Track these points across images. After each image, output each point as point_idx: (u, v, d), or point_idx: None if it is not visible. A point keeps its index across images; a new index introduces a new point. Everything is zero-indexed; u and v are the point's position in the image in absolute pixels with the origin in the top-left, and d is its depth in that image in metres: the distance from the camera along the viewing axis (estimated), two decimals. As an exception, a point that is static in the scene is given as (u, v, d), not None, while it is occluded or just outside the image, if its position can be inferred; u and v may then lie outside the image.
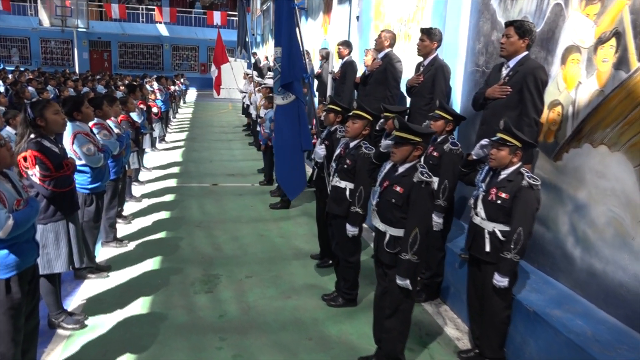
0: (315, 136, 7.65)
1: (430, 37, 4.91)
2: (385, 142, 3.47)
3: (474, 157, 3.37)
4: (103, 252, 5.13)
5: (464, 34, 4.90)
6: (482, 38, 4.59)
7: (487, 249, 3.10)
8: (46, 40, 28.33)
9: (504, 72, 3.62)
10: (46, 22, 23.78)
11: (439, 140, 4.16)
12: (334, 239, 4.28)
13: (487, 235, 3.11)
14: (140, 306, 4.10)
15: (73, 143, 4.14)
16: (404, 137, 3.07)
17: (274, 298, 4.36)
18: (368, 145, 4.02)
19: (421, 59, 5.08)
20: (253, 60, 19.53)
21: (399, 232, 3.10)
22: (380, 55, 6.00)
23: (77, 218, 3.66)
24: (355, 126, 4.02)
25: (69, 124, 4.22)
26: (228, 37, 22.56)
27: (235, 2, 30.41)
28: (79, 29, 24.48)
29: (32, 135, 3.34)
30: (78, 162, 4.14)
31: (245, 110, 14.83)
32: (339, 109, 4.74)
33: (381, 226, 3.19)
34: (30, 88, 10.50)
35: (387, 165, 3.33)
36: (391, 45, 6.00)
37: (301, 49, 4.37)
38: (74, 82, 13.15)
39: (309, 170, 6.46)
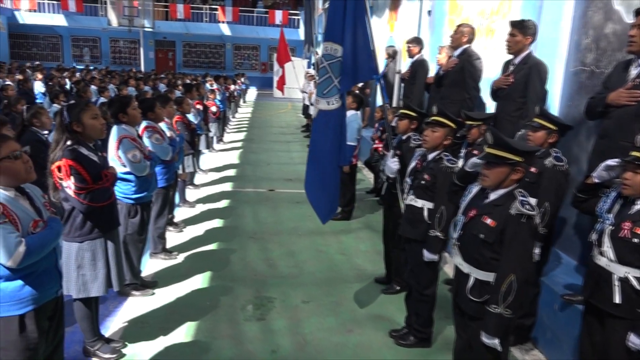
0: (380, 145, 7.05)
1: (522, 30, 4.17)
2: (473, 161, 2.81)
3: (596, 181, 2.66)
4: (150, 265, 4.77)
5: (566, 26, 4.13)
6: (591, 31, 3.81)
7: (617, 300, 2.38)
8: (115, 40, 29.22)
9: (634, 71, 2.87)
10: (114, 22, 24.44)
11: (538, 153, 3.44)
12: (407, 266, 3.67)
13: (616, 283, 2.39)
14: (184, 333, 3.66)
15: (118, 148, 3.77)
16: (499, 156, 2.41)
17: (334, 331, 3.80)
18: (450, 157, 3.38)
19: (510, 57, 4.35)
20: (314, 60, 19.15)
21: (487, 277, 2.46)
22: (457, 52, 5.31)
23: (117, 235, 3.26)
24: (435, 135, 3.39)
25: (114, 128, 3.87)
26: (289, 36, 22.29)
27: (297, 1, 30.20)
28: (145, 29, 25.00)
29: (69, 142, 2.95)
30: (122, 170, 3.77)
31: (305, 111, 14.40)
32: (413, 114, 4.12)
33: (464, 266, 2.56)
34: (92, 87, 10.54)
35: (474, 189, 2.69)
36: (470, 40, 5.30)
37: (371, 48, 3.76)
38: (137, 80, 13.18)
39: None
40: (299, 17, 27.96)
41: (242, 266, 4.90)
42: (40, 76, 12.81)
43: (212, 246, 5.37)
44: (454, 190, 3.16)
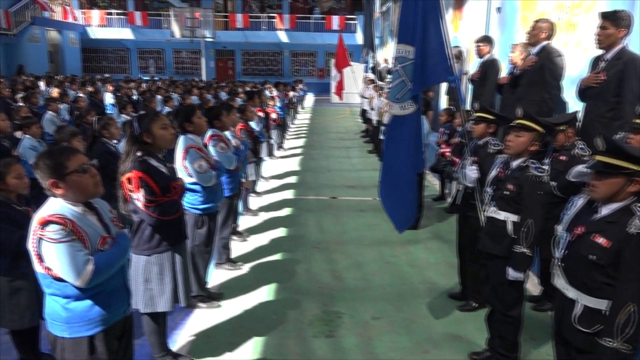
0: (447, 150, 6.71)
1: (615, 22, 3.76)
2: (578, 170, 2.50)
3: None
4: (216, 276, 4.70)
5: (667, 16, 3.70)
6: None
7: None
8: (178, 51, 30.25)
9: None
10: (177, 34, 25.26)
11: None
12: (487, 283, 3.37)
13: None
14: (251, 349, 3.53)
15: (185, 158, 3.71)
16: (613, 165, 2.09)
17: (409, 351, 3.55)
18: (538, 165, 3.06)
19: (600, 52, 3.95)
20: (372, 64, 18.92)
21: (599, 304, 2.14)
22: (535, 49, 4.92)
23: (184, 248, 3.18)
24: (519, 140, 3.08)
25: (181, 137, 3.81)
26: (346, 41, 22.15)
27: (354, 6, 30.07)
28: (206, 39, 25.68)
29: (139, 153, 2.90)
30: (189, 180, 3.71)
31: (364, 116, 14.17)
32: (491, 117, 3.82)
33: (570, 291, 2.25)
34: (158, 97, 10.82)
35: (578, 202, 2.37)
36: (549, 37, 4.89)
37: (446, 47, 3.49)
38: (199, 89, 13.47)
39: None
40: (355, 22, 27.82)
41: (307, 278, 4.75)
42: (110, 88, 13.35)
43: (276, 256, 5.26)
44: (553, 203, 2.84)
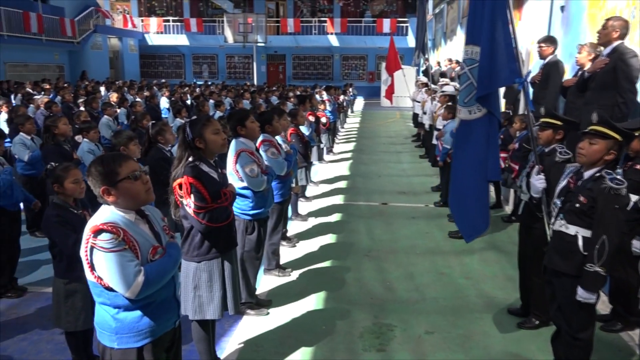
0: (504, 155, 6.40)
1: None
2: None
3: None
4: (264, 282, 4.65)
5: None
6: None
7: None
8: (231, 56, 30.86)
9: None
10: (230, 39, 25.76)
11: None
12: (553, 302, 3.12)
13: None
14: (300, 360, 3.44)
15: (236, 162, 3.68)
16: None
17: (465, 370, 3.36)
18: (615, 176, 2.80)
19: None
20: (424, 67, 18.57)
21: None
22: (607, 50, 4.59)
23: (234, 256, 3.12)
24: (594, 148, 2.83)
25: (233, 141, 3.79)
26: (397, 44, 21.87)
27: (405, 8, 29.69)
28: (258, 44, 26.06)
29: (190, 159, 2.87)
30: (239, 185, 3.67)
31: (416, 120, 13.88)
32: (559, 123, 3.56)
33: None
34: (210, 101, 11.00)
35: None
36: (622, 36, 4.54)
37: (513, 46, 3.28)
38: (251, 94, 13.61)
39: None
40: (407, 25, 27.45)
41: (358, 287, 4.62)
42: (166, 92, 13.73)
43: (326, 263, 5.16)
44: (631, 220, 2.59)
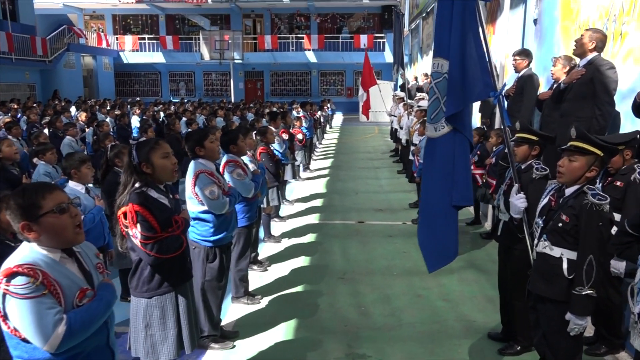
0: (478, 171, 6.25)
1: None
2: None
3: None
4: (232, 311, 4.37)
5: None
6: None
7: None
8: (208, 73, 30.59)
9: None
10: (207, 56, 25.55)
11: None
12: (537, 329, 2.91)
13: None
14: (266, 400, 3.16)
15: (195, 185, 3.42)
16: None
17: (444, 405, 3.12)
18: (597, 192, 2.63)
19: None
20: (401, 82, 18.59)
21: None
22: (583, 62, 4.49)
23: (189, 288, 2.84)
24: (573, 166, 2.66)
25: (191, 163, 3.54)
26: (374, 60, 21.88)
27: (382, 24, 29.92)
28: (235, 61, 25.89)
29: (137, 185, 2.61)
30: (200, 208, 3.41)
31: (394, 135, 13.79)
32: (534, 138, 3.40)
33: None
34: (183, 119, 10.72)
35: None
36: (598, 48, 4.44)
37: (487, 59, 3.10)
38: (226, 111, 13.36)
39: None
40: (384, 40, 27.61)
41: (331, 313, 4.36)
42: (138, 111, 13.40)
43: (298, 288, 4.90)
44: (618, 243, 2.41)
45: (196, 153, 3.52)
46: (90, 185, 3.77)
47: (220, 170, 4.00)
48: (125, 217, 2.51)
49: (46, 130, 8.33)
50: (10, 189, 4.53)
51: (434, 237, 3.19)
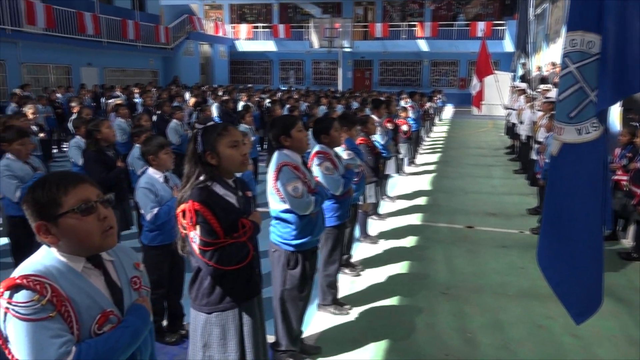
0: (624, 177, 5.16)
1: None
2: None
3: None
4: (317, 320, 3.90)
5: None
6: None
7: None
8: (317, 62, 30.64)
9: None
10: (316, 45, 25.42)
11: None
12: None
13: None
14: None
15: (277, 179, 2.96)
16: None
17: None
18: None
19: None
20: (521, 72, 16.95)
21: None
22: None
23: (256, 306, 2.37)
24: None
25: (275, 154, 3.08)
26: (492, 49, 20.17)
27: (502, 11, 27.73)
28: (344, 49, 25.50)
29: (201, 178, 2.19)
30: (281, 207, 2.96)
31: (510, 130, 12.50)
32: None
33: None
34: (287, 106, 10.50)
35: None
36: None
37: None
38: (330, 99, 12.99)
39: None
40: (504, 28, 25.56)
41: (430, 337, 3.71)
42: (245, 97, 13.50)
43: (393, 300, 4.30)
44: None
45: (281, 143, 3.05)
46: (169, 172, 3.47)
47: (308, 162, 3.52)
48: (184, 216, 2.09)
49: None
50: (106, 172, 4.48)
51: (575, 275, 2.36)
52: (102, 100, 13.97)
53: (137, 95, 13.31)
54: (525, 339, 3.70)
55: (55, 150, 10.03)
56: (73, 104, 8.40)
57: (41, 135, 6.91)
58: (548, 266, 2.43)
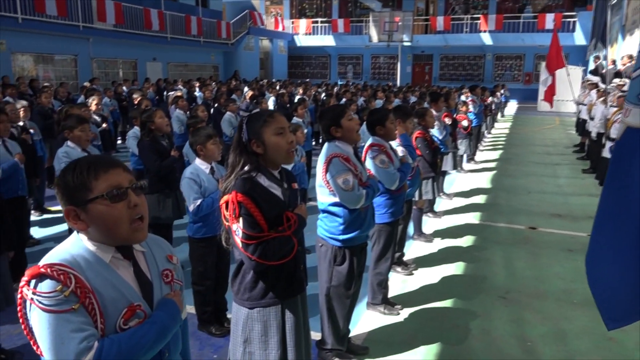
0: None
1: None
2: None
3: None
4: (366, 319, 3.77)
5: None
6: None
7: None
8: (376, 56, 30.28)
9: None
10: (375, 39, 25.07)
11: None
12: None
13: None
14: None
15: (327, 171, 2.86)
16: None
17: None
18: None
19: None
20: (593, 66, 15.97)
21: None
22: None
23: (299, 304, 2.27)
24: None
25: (325, 145, 2.98)
26: (562, 42, 19.06)
27: (573, 1, 26.21)
28: (404, 43, 25.00)
29: (246, 168, 2.11)
30: (330, 200, 2.85)
31: (581, 127, 11.78)
32: None
33: None
34: (343, 100, 10.39)
35: None
36: None
37: None
38: (387, 93, 12.73)
39: None
40: (574, 20, 24.15)
41: (485, 343, 3.49)
42: (301, 91, 13.52)
43: (446, 302, 4.10)
44: None
45: (331, 134, 2.94)
46: (215, 163, 3.44)
47: (362, 156, 3.40)
48: (226, 208, 2.03)
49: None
50: (159, 161, 4.55)
51: (617, 277, 2.01)
52: (165, 93, 14.43)
53: (197, 89, 13.63)
54: (591, 352, 3.41)
55: (119, 141, 10.44)
56: (135, 96, 8.69)
57: (104, 125, 7.16)
58: (591, 263, 2.11)
